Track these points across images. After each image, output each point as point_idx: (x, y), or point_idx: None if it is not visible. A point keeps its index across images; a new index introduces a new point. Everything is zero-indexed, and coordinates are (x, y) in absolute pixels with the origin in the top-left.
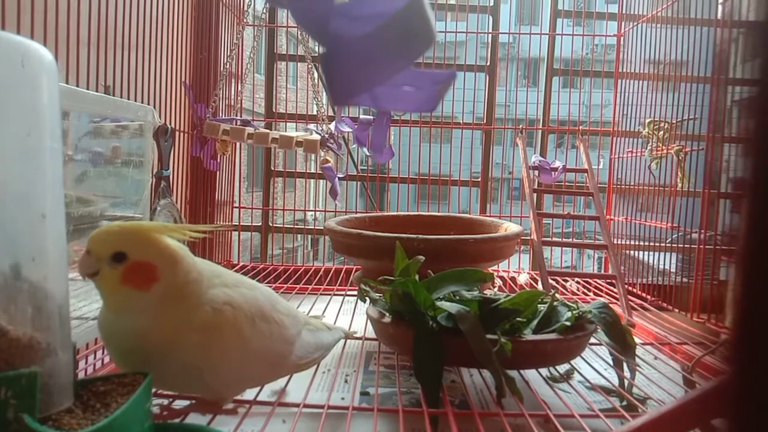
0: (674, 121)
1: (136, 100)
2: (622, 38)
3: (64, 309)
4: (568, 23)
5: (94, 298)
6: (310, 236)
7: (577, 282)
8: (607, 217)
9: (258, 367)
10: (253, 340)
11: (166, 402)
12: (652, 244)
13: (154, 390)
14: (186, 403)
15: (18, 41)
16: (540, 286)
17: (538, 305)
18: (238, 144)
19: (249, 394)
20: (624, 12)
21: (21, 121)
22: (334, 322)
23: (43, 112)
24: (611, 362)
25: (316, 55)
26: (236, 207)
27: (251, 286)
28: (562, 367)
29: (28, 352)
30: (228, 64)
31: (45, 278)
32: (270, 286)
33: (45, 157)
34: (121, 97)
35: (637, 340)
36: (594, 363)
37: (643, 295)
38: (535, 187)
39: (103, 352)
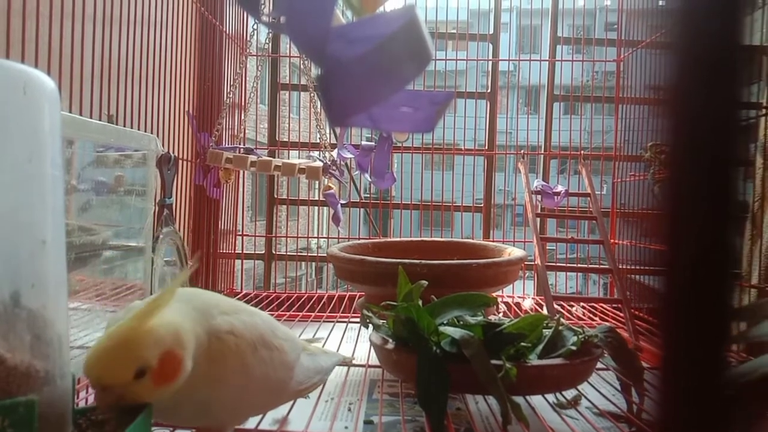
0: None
1: (139, 129)
2: (621, 64)
3: (63, 337)
4: (568, 50)
5: (96, 327)
6: (313, 264)
7: (583, 307)
8: (612, 241)
9: (260, 395)
10: (255, 367)
11: None
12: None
13: (153, 420)
14: None
15: (20, 69)
16: (545, 312)
17: (543, 330)
18: (241, 172)
19: (250, 423)
20: (623, 38)
21: (22, 148)
22: (338, 350)
23: (44, 138)
24: (619, 387)
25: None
26: (239, 235)
27: (250, 312)
28: (569, 393)
29: (25, 380)
30: (231, 93)
31: (44, 306)
32: (273, 314)
33: (46, 184)
34: (125, 126)
35: (644, 364)
36: (601, 388)
37: (650, 318)
38: (538, 211)
39: None
